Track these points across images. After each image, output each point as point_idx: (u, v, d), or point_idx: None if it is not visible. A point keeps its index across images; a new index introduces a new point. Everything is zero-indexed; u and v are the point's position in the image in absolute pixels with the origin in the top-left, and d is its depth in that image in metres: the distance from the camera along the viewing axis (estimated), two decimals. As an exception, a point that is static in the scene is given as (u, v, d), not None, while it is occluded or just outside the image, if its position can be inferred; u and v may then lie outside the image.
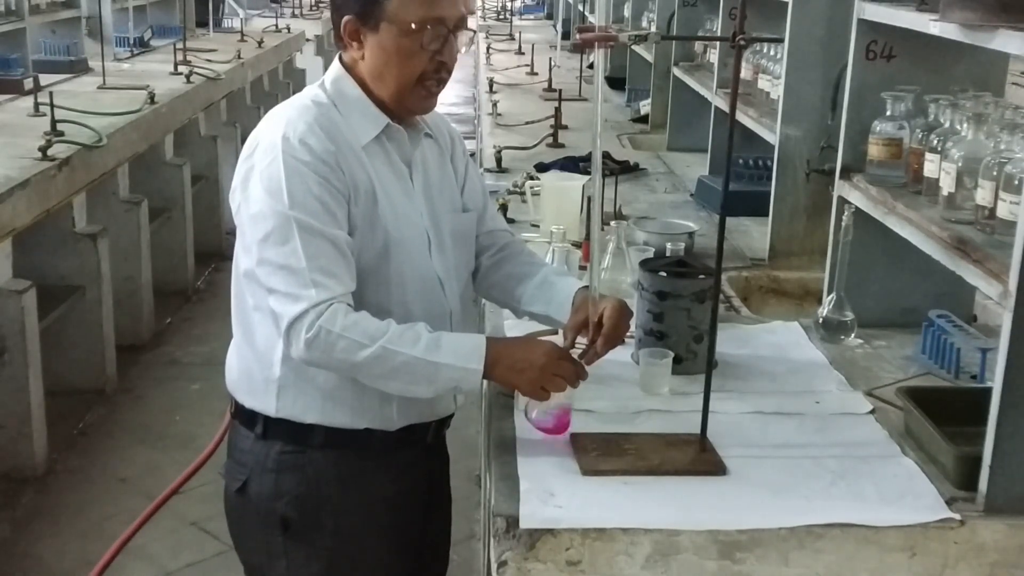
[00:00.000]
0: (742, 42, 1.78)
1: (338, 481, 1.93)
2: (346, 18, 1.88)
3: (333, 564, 1.96)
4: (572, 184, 3.21)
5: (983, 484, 1.76)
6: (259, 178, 1.83)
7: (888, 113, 2.38)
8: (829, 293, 2.50)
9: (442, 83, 1.93)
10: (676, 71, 4.83)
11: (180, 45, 7.37)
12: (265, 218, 1.81)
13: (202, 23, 10.18)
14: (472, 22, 1.97)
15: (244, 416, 1.98)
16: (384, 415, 1.92)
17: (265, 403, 1.92)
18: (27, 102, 5.32)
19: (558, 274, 2.14)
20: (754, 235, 3.37)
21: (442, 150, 2.06)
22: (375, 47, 1.88)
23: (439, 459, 2.14)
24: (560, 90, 5.54)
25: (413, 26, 1.84)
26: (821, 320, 2.48)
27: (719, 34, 4.10)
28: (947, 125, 2.23)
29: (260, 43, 8.71)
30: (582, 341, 1.96)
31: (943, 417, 1.93)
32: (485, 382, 2.00)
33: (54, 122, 4.56)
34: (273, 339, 1.86)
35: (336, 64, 1.96)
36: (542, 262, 2.22)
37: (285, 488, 1.93)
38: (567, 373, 1.87)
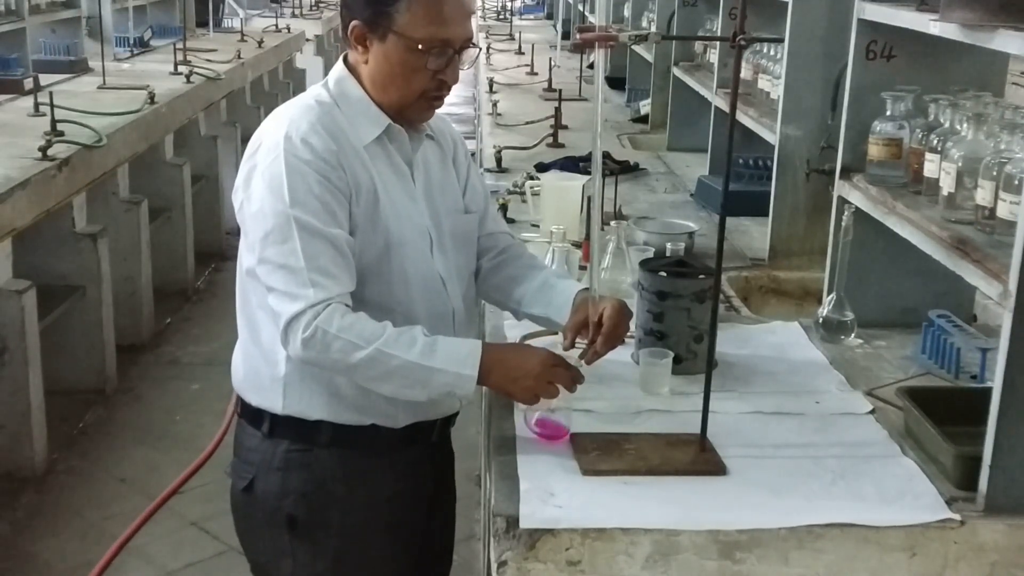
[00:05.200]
0: (742, 42, 1.78)
1: (344, 479, 1.94)
2: (354, 22, 1.88)
3: (339, 562, 1.97)
4: (572, 184, 3.21)
5: (983, 484, 1.76)
6: (261, 177, 1.83)
7: (888, 113, 2.38)
8: (829, 293, 2.50)
9: (442, 98, 1.94)
10: (676, 71, 4.83)
11: (180, 45, 7.37)
12: (266, 216, 1.81)
13: (202, 23, 10.18)
14: (473, 26, 1.97)
15: (250, 415, 1.98)
16: (389, 413, 1.93)
17: (272, 401, 1.93)
18: (27, 102, 5.32)
19: (558, 277, 2.14)
20: (754, 235, 3.37)
21: (444, 152, 2.06)
22: (380, 56, 1.88)
23: (444, 457, 2.15)
24: (560, 90, 5.54)
25: (420, 46, 1.84)
26: (821, 320, 2.48)
27: (719, 34, 4.10)
28: (947, 125, 2.23)
29: (260, 43, 8.71)
30: (582, 342, 1.96)
31: (943, 417, 1.93)
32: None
33: (54, 122, 4.55)
34: (278, 337, 1.86)
35: (340, 64, 1.96)
36: (542, 265, 2.23)
37: (291, 486, 1.94)
38: (563, 379, 1.87)
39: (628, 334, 2.04)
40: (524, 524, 1.67)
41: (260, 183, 1.83)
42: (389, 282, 1.90)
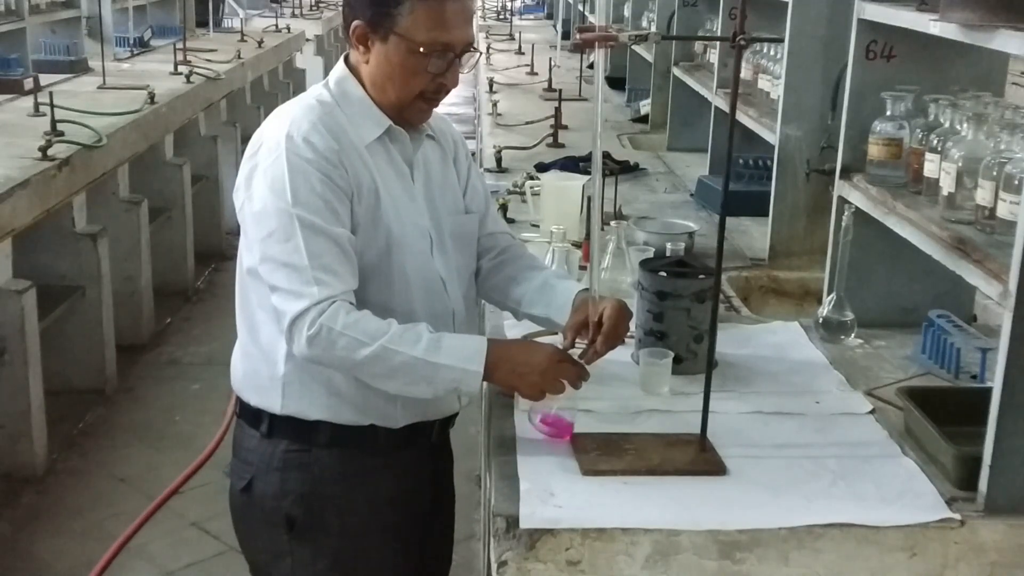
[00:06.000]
0: (742, 42, 1.78)
1: (343, 480, 1.94)
2: (356, 22, 1.88)
3: (338, 563, 1.96)
4: (572, 184, 3.21)
5: (983, 484, 1.77)
6: (263, 176, 1.84)
7: (888, 113, 2.38)
8: (829, 293, 2.50)
9: (440, 99, 1.94)
10: (676, 71, 4.83)
11: (180, 45, 7.37)
12: (268, 216, 1.81)
13: (202, 23, 10.18)
14: (474, 31, 1.97)
15: (249, 415, 1.98)
16: (388, 412, 1.93)
17: (271, 401, 1.93)
18: (27, 102, 5.32)
19: (558, 277, 2.14)
20: (754, 235, 3.37)
21: (444, 152, 2.06)
22: (381, 57, 1.88)
23: (443, 458, 2.15)
24: (560, 90, 5.54)
25: (421, 48, 1.84)
26: (821, 320, 2.48)
27: (719, 34, 4.10)
28: (947, 125, 2.23)
29: (260, 43, 8.71)
30: (582, 342, 1.96)
31: (943, 417, 1.93)
32: (485, 383, 2.00)
33: (54, 122, 4.55)
34: (277, 337, 1.86)
35: (341, 64, 1.96)
36: (542, 265, 2.23)
37: (290, 487, 1.94)
38: (568, 375, 1.87)
39: (628, 334, 2.04)
40: (524, 524, 1.67)
41: (262, 182, 1.83)
42: (390, 282, 1.90)
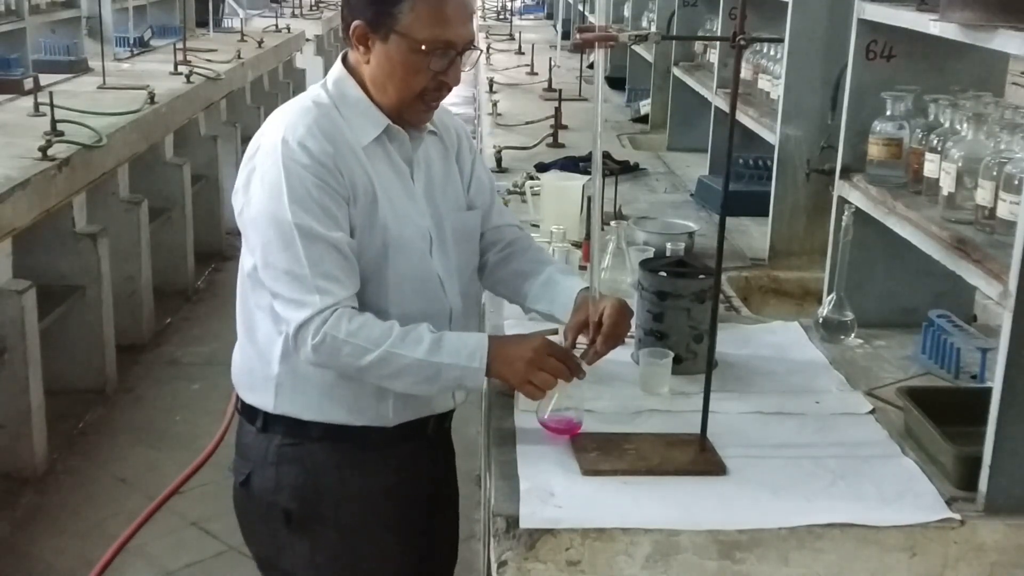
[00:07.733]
0: (742, 42, 1.78)
1: (336, 471, 1.95)
2: (356, 22, 1.88)
3: (337, 555, 1.97)
4: (572, 184, 3.21)
5: (983, 484, 1.76)
6: (260, 181, 1.84)
7: (888, 113, 2.38)
8: (829, 293, 2.50)
9: (441, 99, 1.94)
10: (676, 71, 4.83)
11: (180, 45, 7.37)
12: (267, 222, 1.82)
13: (202, 23, 10.18)
14: (475, 28, 1.97)
15: (246, 411, 2.00)
16: (381, 413, 1.93)
17: (264, 399, 1.94)
18: (27, 102, 5.33)
19: (563, 273, 2.13)
20: (754, 235, 3.37)
21: (447, 148, 2.06)
22: (382, 56, 1.88)
23: (443, 451, 2.14)
24: (560, 90, 5.54)
25: (423, 46, 1.84)
26: (821, 320, 2.48)
27: (719, 34, 4.10)
28: (947, 125, 2.23)
29: (260, 43, 8.71)
30: (583, 342, 1.96)
31: (943, 417, 1.93)
32: (486, 380, 2.00)
33: (54, 122, 4.56)
34: (273, 336, 1.88)
35: (339, 65, 1.96)
36: (549, 259, 2.22)
37: (285, 480, 1.95)
38: (554, 369, 1.86)
39: (628, 334, 2.04)
40: (524, 524, 1.67)
41: (259, 188, 1.84)
42: (385, 285, 1.90)
